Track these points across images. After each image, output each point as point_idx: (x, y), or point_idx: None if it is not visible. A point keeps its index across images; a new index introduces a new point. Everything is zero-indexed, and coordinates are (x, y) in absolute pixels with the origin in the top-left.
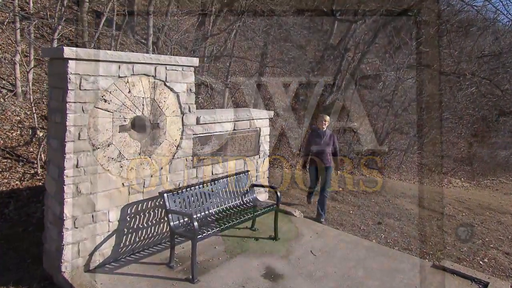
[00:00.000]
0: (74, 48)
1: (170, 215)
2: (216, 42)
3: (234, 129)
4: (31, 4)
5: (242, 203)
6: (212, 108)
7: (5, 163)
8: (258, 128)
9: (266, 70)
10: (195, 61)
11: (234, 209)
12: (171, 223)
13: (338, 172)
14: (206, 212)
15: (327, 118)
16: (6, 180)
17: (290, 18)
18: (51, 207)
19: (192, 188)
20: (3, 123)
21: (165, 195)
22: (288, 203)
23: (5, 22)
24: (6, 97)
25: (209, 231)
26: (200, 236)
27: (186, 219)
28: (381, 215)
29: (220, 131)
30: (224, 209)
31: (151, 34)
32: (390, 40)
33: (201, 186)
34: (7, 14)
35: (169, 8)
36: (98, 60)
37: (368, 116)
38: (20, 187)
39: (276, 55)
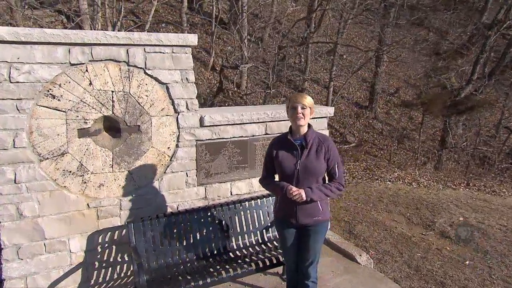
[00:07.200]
0: None
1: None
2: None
3: (266, 133)
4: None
5: (260, 241)
6: None
7: None
8: None
9: (384, 58)
10: (191, 38)
11: (245, 250)
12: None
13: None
14: (196, 253)
15: (308, 100)
16: None
17: None
18: None
19: (179, 215)
20: None
21: (132, 224)
22: (354, 237)
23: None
24: None
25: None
26: None
27: (162, 260)
28: None
29: (242, 136)
30: (229, 249)
31: (246, 27)
32: None
33: (203, 211)
34: None
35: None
36: (34, 43)
37: None
38: None
39: (394, 39)
